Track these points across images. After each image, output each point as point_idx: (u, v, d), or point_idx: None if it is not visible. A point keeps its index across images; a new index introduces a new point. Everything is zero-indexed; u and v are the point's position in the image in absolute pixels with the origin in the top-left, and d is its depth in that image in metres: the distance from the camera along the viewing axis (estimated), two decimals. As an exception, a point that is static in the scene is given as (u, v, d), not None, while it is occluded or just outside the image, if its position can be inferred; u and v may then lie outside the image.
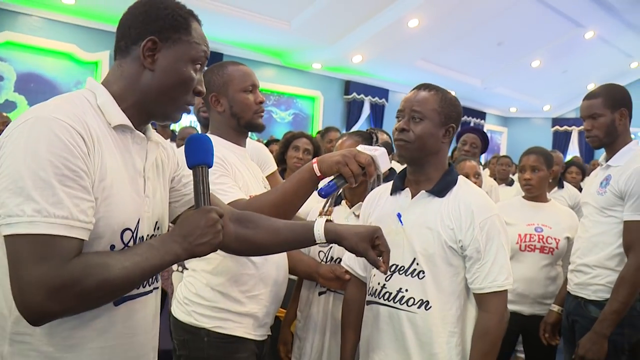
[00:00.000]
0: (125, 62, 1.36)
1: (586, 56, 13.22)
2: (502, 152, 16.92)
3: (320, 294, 2.45)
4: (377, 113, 13.23)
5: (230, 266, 2.04)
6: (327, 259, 2.45)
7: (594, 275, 2.69)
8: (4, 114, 5.05)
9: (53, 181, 1.13)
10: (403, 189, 2.02)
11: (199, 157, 1.40)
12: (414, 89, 2.00)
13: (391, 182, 2.12)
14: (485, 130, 16.89)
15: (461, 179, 2.00)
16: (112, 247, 1.27)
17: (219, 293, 2.04)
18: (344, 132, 9.94)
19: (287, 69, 11.44)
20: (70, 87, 8.52)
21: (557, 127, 16.95)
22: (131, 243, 1.32)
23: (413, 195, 1.97)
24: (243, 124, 2.17)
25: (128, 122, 1.34)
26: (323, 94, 12.30)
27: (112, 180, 1.26)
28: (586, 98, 2.80)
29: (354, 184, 1.72)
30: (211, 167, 1.42)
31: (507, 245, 1.92)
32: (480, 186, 3.53)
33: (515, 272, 2.95)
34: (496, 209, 1.93)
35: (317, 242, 1.58)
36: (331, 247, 2.45)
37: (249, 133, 2.30)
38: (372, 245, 1.57)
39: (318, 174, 1.74)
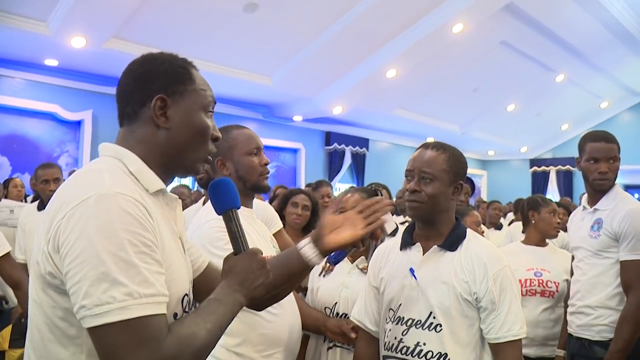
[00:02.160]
0: (136, 127, 1.31)
1: (558, 98, 13.61)
2: (483, 195, 17.10)
3: (328, 348, 2.46)
4: (359, 162, 13.38)
5: (245, 327, 2.06)
6: (332, 314, 2.48)
7: (596, 316, 2.76)
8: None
9: (135, 260, 1.08)
10: (413, 244, 2.07)
11: (227, 201, 1.38)
12: (420, 148, 2.06)
13: (397, 236, 2.17)
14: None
15: (469, 231, 2.06)
16: (175, 315, 1.24)
17: (235, 354, 2.06)
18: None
19: (269, 123, 11.57)
20: (54, 147, 8.53)
21: (535, 167, 17.21)
22: (187, 308, 1.29)
23: (424, 250, 2.02)
24: (249, 186, 2.21)
25: (164, 186, 1.31)
26: (305, 146, 12.43)
27: (170, 248, 1.24)
28: (602, 140, 2.82)
29: (361, 248, 1.73)
30: (239, 208, 1.40)
31: (519, 295, 1.98)
32: (482, 234, 3.60)
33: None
34: (507, 261, 1.99)
35: (307, 258, 1.55)
36: (336, 303, 2.48)
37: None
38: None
39: None
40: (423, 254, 2.02)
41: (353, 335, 2.26)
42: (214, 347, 1.21)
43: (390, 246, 2.18)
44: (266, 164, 2.24)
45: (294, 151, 12.41)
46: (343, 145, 12.96)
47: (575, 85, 13.13)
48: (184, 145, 1.32)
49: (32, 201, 5.13)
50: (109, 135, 7.74)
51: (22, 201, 5.71)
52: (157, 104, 1.29)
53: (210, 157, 1.40)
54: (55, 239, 1.11)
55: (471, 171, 17.52)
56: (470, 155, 17.40)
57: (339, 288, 2.45)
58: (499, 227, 6.34)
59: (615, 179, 2.83)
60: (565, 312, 3.03)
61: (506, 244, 4.45)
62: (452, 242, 1.99)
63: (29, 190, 6.47)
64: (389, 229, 1.79)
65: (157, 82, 1.30)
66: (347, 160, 13.12)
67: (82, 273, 1.05)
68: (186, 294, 1.29)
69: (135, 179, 1.26)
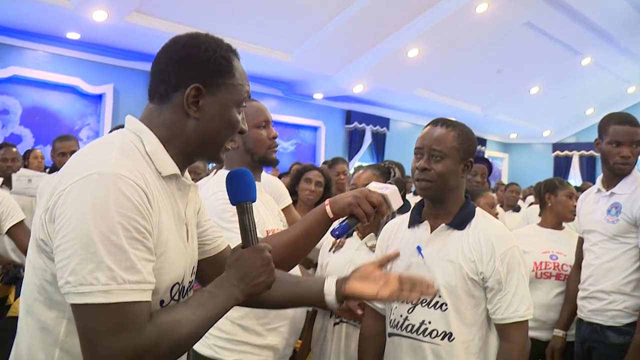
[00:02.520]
0: (166, 109, 1.28)
1: (584, 82, 13.34)
2: (504, 178, 16.95)
3: (335, 324, 2.47)
4: (379, 142, 13.31)
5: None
6: None
7: (610, 301, 2.73)
8: (14, 150, 5.09)
9: (125, 245, 1.07)
10: (421, 222, 2.05)
11: (243, 193, 1.37)
12: (429, 125, 2.03)
13: (407, 214, 2.15)
14: (486, 156, 16.98)
15: (479, 210, 2.04)
16: (162, 302, 1.23)
17: (239, 326, 2.07)
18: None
19: (289, 100, 11.53)
20: (75, 120, 8.59)
21: (557, 152, 17.00)
22: (177, 296, 1.28)
23: (432, 228, 2.01)
24: (257, 159, 2.21)
25: (178, 171, 1.29)
26: (325, 124, 12.39)
27: (168, 234, 1.22)
28: (627, 123, 2.76)
29: (366, 223, 1.74)
30: (255, 201, 1.39)
31: (527, 276, 1.96)
32: (496, 216, 3.57)
33: (532, 299, 2.98)
34: (515, 241, 1.97)
35: (327, 296, 1.52)
36: None
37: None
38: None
39: (331, 215, 1.73)
40: (431, 232, 2.00)
41: (359, 312, 2.26)
42: (198, 339, 1.21)
43: (398, 223, 2.17)
44: (274, 137, 2.23)
45: (314, 129, 12.37)
46: (364, 124, 12.89)
47: (601, 69, 12.83)
48: (211, 137, 1.31)
49: (49, 172, 5.19)
50: (129, 109, 7.70)
51: (41, 172, 5.79)
52: (192, 93, 1.26)
53: (230, 148, 1.39)
54: (53, 209, 1.12)
55: (492, 154, 17.39)
56: (491, 137, 17.24)
57: (347, 264, 2.45)
58: (517, 209, 6.29)
59: (635, 164, 2.77)
60: (570, 294, 3.00)
61: (522, 226, 4.40)
62: (461, 220, 1.97)
63: (49, 161, 6.55)
64: (395, 205, 1.76)
65: (197, 70, 1.27)
66: (368, 140, 13.06)
67: (72, 250, 1.06)
68: (178, 283, 1.28)
69: (150, 159, 1.25)
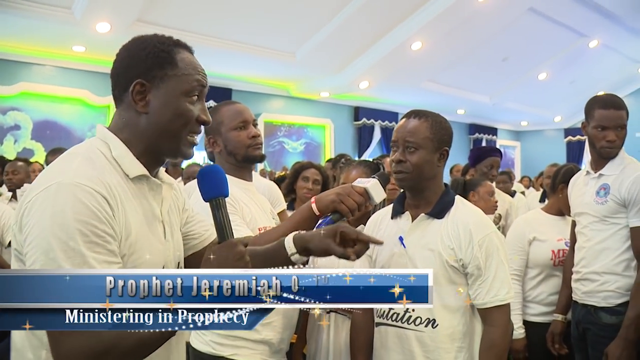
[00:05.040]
0: (122, 110, 1.35)
1: (592, 65, 13.24)
2: (517, 167, 16.89)
3: (327, 312, 2.52)
4: (388, 137, 13.31)
5: None
6: None
7: (603, 282, 2.75)
8: (19, 163, 5.19)
9: (83, 249, 1.14)
10: (403, 213, 2.09)
11: (214, 189, 1.38)
12: (404, 117, 2.08)
13: (390, 205, 2.20)
14: (498, 146, 16.89)
15: (458, 199, 2.07)
16: None
17: None
18: (356, 158, 10.00)
19: (296, 100, 11.60)
20: (85, 132, 8.73)
21: (569, 137, 16.88)
22: None
23: (413, 218, 2.05)
24: (240, 159, 2.26)
25: (146, 172, 1.33)
26: (333, 122, 12.44)
27: (137, 235, 1.27)
28: (612, 107, 2.76)
29: (350, 218, 1.79)
30: (227, 197, 1.39)
31: (507, 261, 1.99)
32: (496, 206, 3.58)
33: (552, 286, 3.09)
34: (493, 227, 2.01)
35: (290, 254, 1.48)
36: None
37: (257, 164, 2.39)
38: (341, 241, 1.47)
39: (317, 212, 1.79)
40: (412, 222, 2.04)
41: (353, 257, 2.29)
42: (165, 340, 1.22)
43: (382, 215, 2.21)
44: (255, 136, 2.27)
45: (322, 127, 12.43)
46: (372, 120, 12.92)
47: (610, 50, 12.73)
48: (163, 129, 1.34)
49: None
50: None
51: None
52: (136, 88, 1.32)
53: (195, 140, 1.40)
54: (21, 220, 1.20)
55: (504, 142, 17.29)
56: (502, 126, 17.15)
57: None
58: (510, 195, 6.24)
59: (622, 146, 2.79)
60: (566, 277, 3.02)
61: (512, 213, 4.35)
62: (440, 209, 2.01)
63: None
64: (377, 198, 1.81)
65: (138, 66, 1.32)
66: (377, 135, 13.09)
67: (34, 256, 1.14)
68: None
69: (117, 163, 1.31)
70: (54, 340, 1.13)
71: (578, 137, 16.55)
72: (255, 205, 2.25)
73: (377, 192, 1.80)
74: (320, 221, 1.79)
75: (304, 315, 2.67)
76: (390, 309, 2.03)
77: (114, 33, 7.28)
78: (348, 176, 2.54)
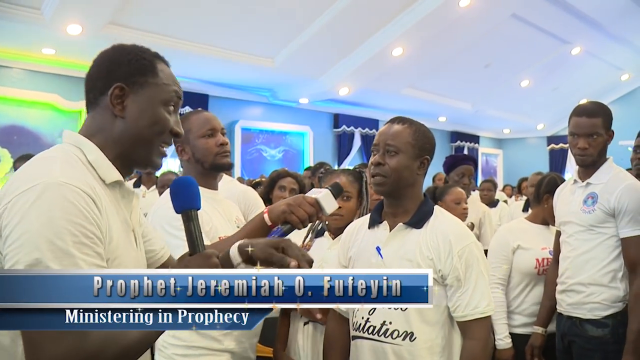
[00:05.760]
0: (97, 114, 1.36)
1: (575, 72, 13.42)
2: (499, 175, 17.03)
3: (304, 324, 2.52)
4: (368, 144, 13.35)
5: None
6: None
7: (588, 293, 2.75)
8: None
9: (72, 250, 1.11)
10: (381, 222, 2.08)
11: (187, 201, 1.40)
12: (387, 123, 2.09)
13: (368, 215, 2.19)
14: (480, 153, 17.03)
15: (437, 209, 2.07)
16: None
17: (196, 333, 2.13)
18: (335, 166, 10.04)
19: (274, 106, 11.59)
20: (55, 138, 8.62)
21: (552, 145, 17.08)
22: None
23: (391, 228, 2.04)
24: (208, 167, 2.30)
25: (121, 178, 1.35)
26: (312, 129, 12.45)
27: (118, 240, 1.26)
28: (584, 114, 2.78)
29: (301, 228, 1.79)
30: (199, 209, 1.42)
31: (487, 272, 1.98)
32: (464, 213, 3.59)
33: (535, 296, 3.08)
34: (473, 237, 2.00)
35: (235, 264, 1.44)
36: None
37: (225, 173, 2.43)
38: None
39: (269, 223, 1.79)
40: (390, 232, 2.03)
41: (318, 316, 2.28)
42: (146, 348, 1.22)
43: (359, 224, 2.20)
44: (223, 144, 2.31)
45: (302, 134, 12.42)
46: (352, 127, 12.96)
47: (593, 57, 12.90)
48: (138, 136, 1.35)
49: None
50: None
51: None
52: (115, 92, 1.33)
53: (165, 152, 1.43)
54: None
55: (486, 150, 17.44)
56: (484, 134, 17.30)
57: (319, 264, 2.47)
58: (494, 204, 6.26)
59: (599, 154, 2.78)
60: (548, 288, 3.02)
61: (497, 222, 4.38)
62: (418, 219, 2.00)
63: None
64: (329, 209, 1.81)
65: (119, 71, 1.34)
66: (357, 143, 13.13)
67: (17, 257, 1.09)
68: None
69: (93, 168, 1.30)
70: (33, 346, 1.09)
71: (561, 145, 16.75)
72: (218, 214, 2.28)
73: (329, 203, 1.81)
74: (271, 232, 1.79)
75: (281, 324, 2.66)
76: (367, 321, 2.01)
77: (85, 35, 7.22)
78: (329, 184, 2.54)
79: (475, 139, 16.88)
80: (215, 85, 10.18)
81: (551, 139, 17.17)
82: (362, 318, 2.02)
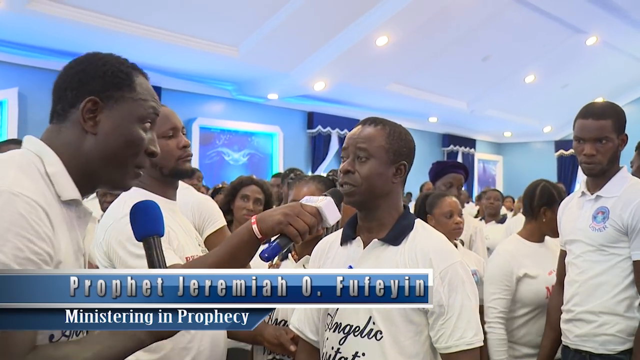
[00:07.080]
0: (64, 127, 1.40)
1: (590, 66, 13.43)
2: (498, 184, 17.11)
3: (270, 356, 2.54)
4: (348, 147, 13.37)
5: (165, 341, 2.12)
6: (271, 320, 2.54)
7: (600, 323, 2.72)
8: None
9: (14, 266, 1.16)
10: (354, 238, 2.10)
11: (149, 227, 1.44)
12: (359, 124, 2.09)
13: (340, 230, 2.21)
14: (476, 160, 17.11)
15: (418, 222, 2.09)
16: (51, 337, 1.29)
17: None
18: (309, 173, 10.01)
19: (239, 102, 11.56)
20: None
21: (561, 151, 17.18)
22: (68, 332, 1.34)
23: (365, 245, 2.06)
24: (167, 173, 2.26)
25: (79, 197, 1.38)
26: (282, 129, 12.45)
27: (66, 264, 1.30)
28: (591, 116, 2.77)
29: (299, 242, 1.77)
30: (162, 235, 1.46)
31: (474, 296, 1.99)
32: (458, 228, 3.61)
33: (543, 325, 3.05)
34: (458, 256, 2.01)
35: None
36: (275, 308, 2.53)
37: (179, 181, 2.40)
38: None
39: (259, 235, 1.73)
40: (363, 249, 2.06)
41: (292, 348, 2.31)
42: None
43: (331, 241, 2.21)
44: (185, 147, 2.28)
45: (270, 135, 12.43)
46: (329, 128, 12.98)
47: (611, 49, 12.83)
48: (110, 155, 1.40)
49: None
50: (38, 117, 7.66)
51: None
52: (88, 106, 1.37)
53: (140, 173, 1.48)
54: None
55: (483, 156, 17.52)
56: (481, 137, 17.35)
57: None
58: (501, 220, 6.30)
59: (609, 162, 2.76)
60: (551, 317, 3.03)
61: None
62: (395, 235, 2.02)
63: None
64: (332, 219, 1.80)
65: (93, 83, 1.39)
66: (334, 146, 13.14)
67: None
68: None
69: (50, 182, 1.34)
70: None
71: (571, 151, 16.76)
72: (181, 230, 2.27)
73: (332, 212, 1.78)
74: (263, 248, 1.75)
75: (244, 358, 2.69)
76: (337, 352, 2.03)
77: (8, 10, 6.91)
78: (298, 193, 2.55)
79: (471, 143, 16.94)
80: (168, 77, 10.10)
81: (560, 144, 17.27)
82: (332, 348, 2.03)
